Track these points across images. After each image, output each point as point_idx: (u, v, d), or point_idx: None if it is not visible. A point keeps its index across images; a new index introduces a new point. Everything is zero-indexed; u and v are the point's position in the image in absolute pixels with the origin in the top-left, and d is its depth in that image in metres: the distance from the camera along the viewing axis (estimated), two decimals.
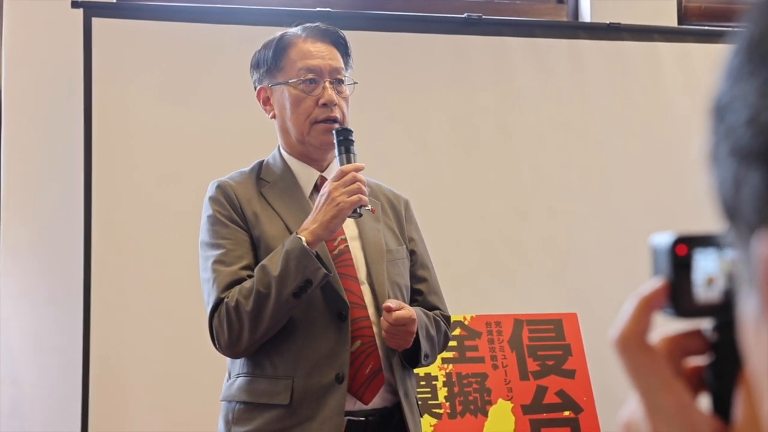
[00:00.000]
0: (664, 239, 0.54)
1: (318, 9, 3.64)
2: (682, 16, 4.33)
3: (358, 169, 2.02)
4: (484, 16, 3.79)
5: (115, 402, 3.23)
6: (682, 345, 0.53)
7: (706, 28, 4.21)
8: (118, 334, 3.26)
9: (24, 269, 3.49)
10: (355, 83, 2.18)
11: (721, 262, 0.52)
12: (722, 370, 0.52)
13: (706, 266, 0.53)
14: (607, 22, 3.90)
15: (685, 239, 0.53)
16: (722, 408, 0.51)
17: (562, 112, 3.80)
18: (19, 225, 3.50)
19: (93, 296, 3.25)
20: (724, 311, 0.51)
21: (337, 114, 2.11)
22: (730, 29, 4.10)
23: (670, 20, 4.22)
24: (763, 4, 0.45)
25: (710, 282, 0.52)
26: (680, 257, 0.53)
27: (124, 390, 3.24)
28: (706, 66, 3.93)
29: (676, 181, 3.82)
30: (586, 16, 4.18)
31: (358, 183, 1.99)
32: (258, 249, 2.06)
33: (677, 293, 0.53)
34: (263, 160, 2.21)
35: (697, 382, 0.53)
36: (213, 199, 2.11)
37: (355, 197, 1.97)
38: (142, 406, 3.23)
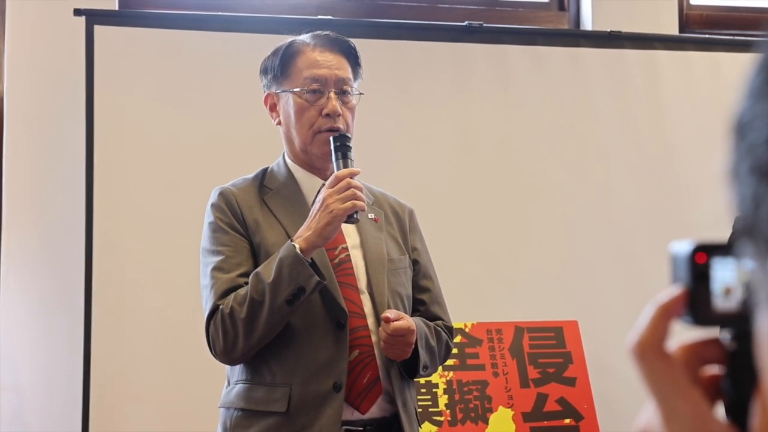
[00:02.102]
0: (683, 247, 0.54)
1: (319, 17, 3.65)
2: (684, 23, 4.34)
3: (353, 174, 2.00)
4: (485, 24, 3.79)
5: (116, 408, 3.23)
6: (699, 353, 0.54)
7: (707, 36, 4.22)
8: (120, 341, 3.26)
9: (25, 275, 3.49)
10: (361, 94, 2.18)
11: (739, 272, 0.52)
12: (739, 379, 0.52)
13: (724, 276, 0.53)
14: (608, 30, 3.91)
15: (705, 247, 0.53)
16: (739, 417, 0.51)
17: (563, 120, 3.81)
18: (20, 231, 3.51)
19: (94, 302, 3.25)
20: (741, 321, 0.51)
21: (341, 125, 2.09)
22: (732, 37, 4.13)
23: (672, 28, 4.23)
24: None
25: (728, 292, 0.53)
26: (699, 266, 0.53)
27: (125, 396, 3.24)
28: (706, 74, 3.94)
29: (677, 189, 3.83)
30: (587, 24, 4.19)
31: (352, 189, 1.98)
32: (258, 256, 2.06)
33: (696, 301, 0.53)
34: (267, 168, 2.21)
35: (714, 390, 0.53)
36: (215, 206, 2.11)
37: (348, 204, 1.96)
38: (143, 413, 3.23)
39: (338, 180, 1.99)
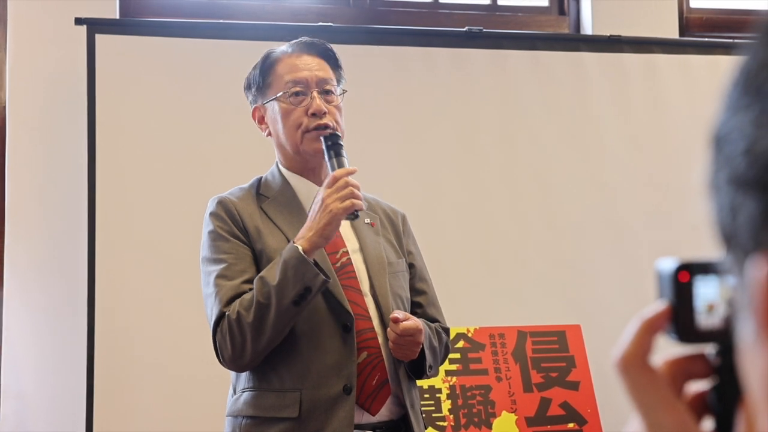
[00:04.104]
0: (667, 265, 0.55)
1: (320, 23, 3.66)
2: (684, 27, 4.34)
3: (350, 173, 2.02)
4: (485, 30, 3.80)
5: (120, 415, 3.23)
6: (685, 368, 0.55)
7: (707, 39, 4.23)
8: (122, 348, 3.27)
9: (28, 282, 3.49)
10: (344, 92, 2.19)
11: (721, 288, 0.53)
12: (725, 393, 0.53)
13: (707, 293, 0.54)
14: (608, 34, 3.92)
15: (688, 266, 0.54)
16: (725, 430, 0.52)
17: (563, 125, 3.81)
18: (24, 238, 3.51)
19: (97, 309, 3.26)
20: (725, 337, 0.52)
21: (328, 122, 2.11)
22: (732, 40, 4.13)
23: (672, 31, 4.23)
24: (761, 36, 0.47)
25: (711, 308, 0.54)
26: (682, 284, 0.54)
27: (128, 403, 3.24)
28: (707, 77, 3.94)
29: (678, 192, 3.83)
30: (587, 28, 4.20)
31: (350, 188, 1.99)
32: (260, 263, 2.06)
33: (680, 319, 0.54)
34: (261, 177, 2.22)
35: (701, 406, 0.54)
36: (214, 215, 2.11)
37: (347, 203, 1.98)
38: (146, 419, 3.23)
39: (336, 179, 2.00)
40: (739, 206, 0.46)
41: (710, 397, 0.54)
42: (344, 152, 2.07)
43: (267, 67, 2.17)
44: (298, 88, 2.12)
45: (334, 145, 2.07)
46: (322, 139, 2.07)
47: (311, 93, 2.12)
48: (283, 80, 2.14)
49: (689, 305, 0.54)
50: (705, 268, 0.54)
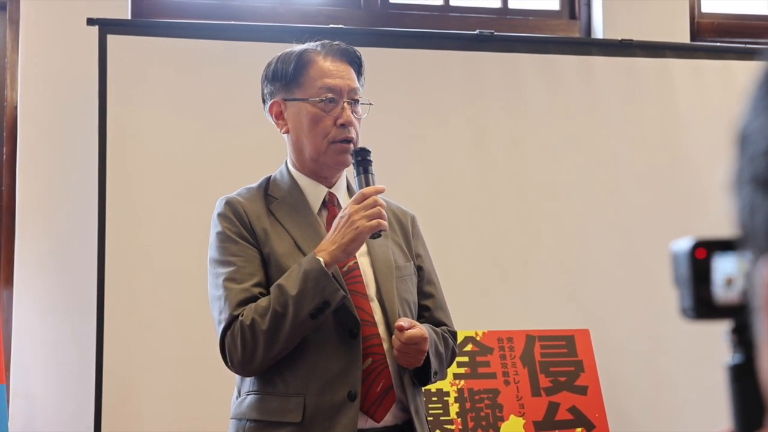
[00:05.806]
0: (683, 244, 0.55)
1: (331, 26, 3.67)
2: (695, 32, 4.33)
3: (378, 192, 2.01)
4: (496, 33, 3.80)
5: (128, 416, 3.24)
6: None
7: (718, 44, 4.22)
8: (131, 348, 3.27)
9: (38, 282, 3.51)
10: (370, 104, 2.18)
11: (740, 262, 0.53)
12: (744, 374, 0.53)
13: (725, 267, 0.54)
14: (620, 38, 3.91)
15: (705, 243, 0.55)
16: (746, 424, 0.52)
17: (574, 128, 3.81)
18: (34, 238, 3.52)
19: (106, 310, 3.26)
20: (742, 313, 0.52)
21: (353, 135, 2.10)
22: (743, 45, 4.12)
23: (683, 36, 4.22)
24: None
25: (730, 282, 0.54)
26: (700, 260, 0.54)
27: (136, 404, 3.25)
28: (718, 82, 3.93)
29: (688, 197, 3.82)
30: (598, 32, 4.19)
31: (378, 207, 1.98)
32: (268, 266, 2.05)
33: (697, 295, 0.54)
34: (270, 176, 2.20)
35: None
36: (222, 216, 2.09)
37: (374, 222, 1.97)
38: (154, 420, 3.24)
39: (364, 197, 1.99)
40: (758, 206, 0.46)
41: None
42: (372, 169, 2.06)
43: (300, 65, 2.12)
44: (330, 95, 2.09)
45: (364, 161, 2.05)
46: (352, 153, 2.07)
47: (342, 102, 2.10)
48: (316, 84, 2.10)
49: (706, 281, 0.54)
50: (722, 245, 0.54)
